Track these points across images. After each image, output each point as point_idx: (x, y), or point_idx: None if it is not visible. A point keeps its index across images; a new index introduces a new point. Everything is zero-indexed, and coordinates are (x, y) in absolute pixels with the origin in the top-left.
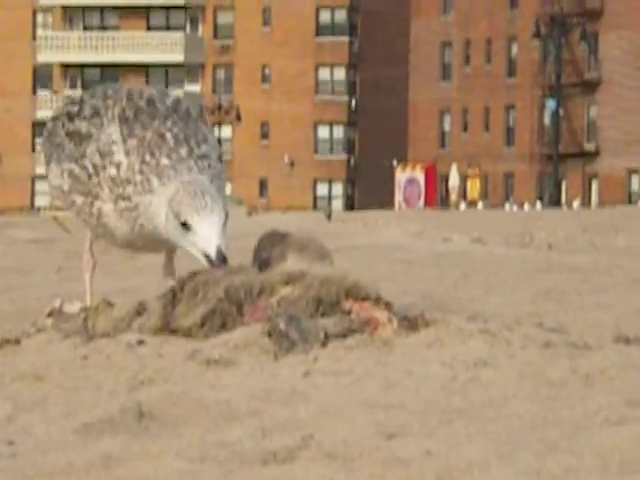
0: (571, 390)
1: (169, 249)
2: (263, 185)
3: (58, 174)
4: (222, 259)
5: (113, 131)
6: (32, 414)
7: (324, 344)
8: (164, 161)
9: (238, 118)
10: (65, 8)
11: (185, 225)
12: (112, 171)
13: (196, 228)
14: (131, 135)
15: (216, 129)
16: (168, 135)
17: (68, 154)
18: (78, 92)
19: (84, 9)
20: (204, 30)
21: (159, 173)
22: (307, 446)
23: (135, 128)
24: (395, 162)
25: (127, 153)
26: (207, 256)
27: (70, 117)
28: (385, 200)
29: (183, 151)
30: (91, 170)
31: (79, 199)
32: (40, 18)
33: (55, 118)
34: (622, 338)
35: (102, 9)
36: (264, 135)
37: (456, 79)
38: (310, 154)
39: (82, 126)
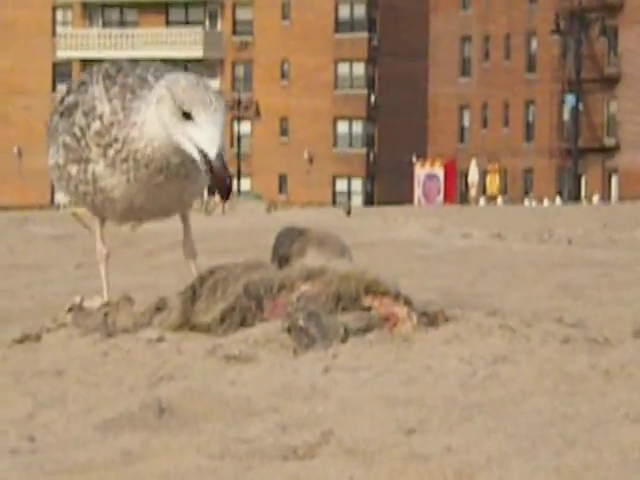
0: (590, 386)
1: (172, 210)
2: (282, 181)
3: (54, 153)
4: (222, 162)
5: (96, 89)
6: (52, 410)
7: (344, 340)
8: (144, 93)
9: (257, 114)
10: (84, 5)
11: (187, 115)
12: (96, 125)
13: (199, 122)
14: (113, 84)
15: (235, 125)
16: (150, 78)
17: (61, 130)
18: None
19: (103, 6)
20: (223, 26)
21: (141, 95)
22: (327, 442)
23: (117, 78)
24: (414, 158)
25: (110, 100)
26: (204, 154)
27: (61, 100)
28: (404, 196)
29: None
30: (79, 134)
31: (74, 169)
32: (60, 15)
33: (52, 113)
34: None
35: (121, 6)
36: (283, 131)
37: (475, 74)
38: (329, 149)
39: (70, 99)
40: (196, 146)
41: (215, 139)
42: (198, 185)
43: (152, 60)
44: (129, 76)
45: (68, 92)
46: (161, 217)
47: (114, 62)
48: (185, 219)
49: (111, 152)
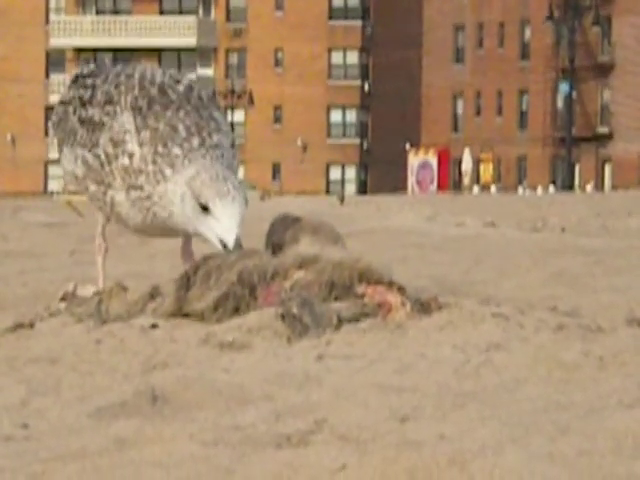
0: (584, 373)
1: (184, 235)
2: (276, 169)
3: (72, 160)
4: (238, 248)
5: (126, 120)
6: (46, 398)
7: (337, 328)
8: (176, 151)
9: (251, 102)
10: None
11: (205, 208)
12: (125, 161)
13: (217, 214)
14: (144, 126)
15: (229, 113)
16: (180, 126)
17: (81, 141)
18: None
19: None
20: (217, 14)
21: (171, 163)
22: (320, 430)
23: (148, 119)
24: (408, 146)
25: (140, 144)
26: (224, 244)
27: (82, 103)
28: (398, 184)
29: (195, 141)
30: (104, 159)
31: (92, 186)
32: (53, 2)
33: (65, 103)
34: (635, 321)
35: None
36: (277, 119)
37: (469, 62)
38: (323, 138)
39: (95, 113)
40: (215, 235)
41: (232, 229)
42: None
43: (146, 50)
44: (160, 120)
45: (91, 101)
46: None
47: (142, 86)
48: (189, 238)
49: (134, 194)
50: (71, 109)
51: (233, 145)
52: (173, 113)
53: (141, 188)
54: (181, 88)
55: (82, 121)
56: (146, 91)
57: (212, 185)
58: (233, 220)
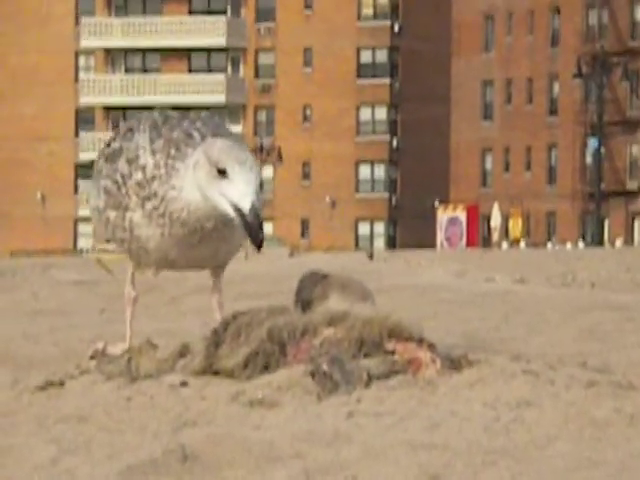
0: (615, 430)
1: (206, 266)
2: (305, 225)
3: (95, 194)
4: (256, 216)
5: (141, 138)
6: (76, 456)
7: (367, 385)
8: (189, 151)
9: (279, 158)
10: (107, 51)
11: (222, 173)
12: (138, 176)
13: (234, 178)
14: (158, 136)
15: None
16: (196, 134)
17: (104, 174)
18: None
19: (126, 52)
20: (245, 71)
21: (182, 159)
22: None
23: (163, 130)
24: (437, 202)
25: (153, 153)
26: (238, 209)
27: (108, 144)
28: (427, 239)
29: None
30: (120, 181)
31: (112, 214)
32: (82, 61)
33: (97, 156)
34: None
35: (144, 51)
36: (305, 175)
37: (497, 118)
38: (351, 193)
39: (116, 144)
40: (231, 202)
41: (249, 194)
42: (233, 245)
43: (175, 107)
44: (175, 129)
45: (115, 137)
46: (195, 270)
47: (163, 111)
48: (218, 276)
49: (149, 205)
50: (101, 157)
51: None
52: (190, 124)
53: (155, 195)
54: (203, 114)
55: (107, 157)
56: (165, 113)
57: (230, 151)
58: (250, 186)
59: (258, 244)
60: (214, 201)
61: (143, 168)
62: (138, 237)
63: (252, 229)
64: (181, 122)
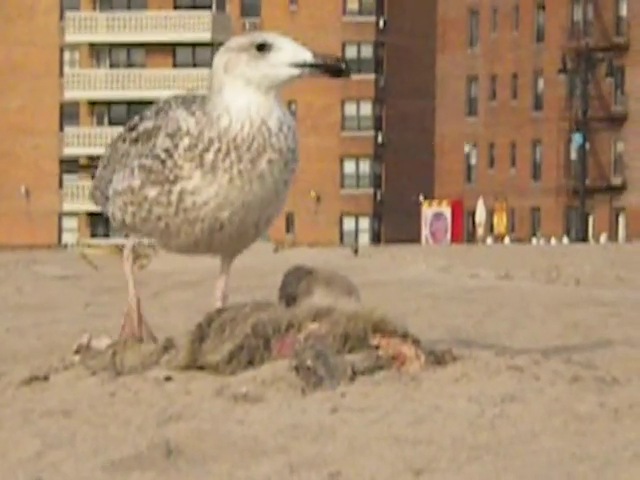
0: (600, 425)
1: (234, 247)
2: (289, 220)
3: (127, 175)
4: (325, 55)
5: (178, 113)
6: (60, 450)
7: (351, 380)
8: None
9: None
10: (92, 45)
11: (264, 46)
12: (185, 141)
13: (278, 43)
14: (193, 103)
15: None
16: None
17: (135, 154)
18: (105, 130)
19: (111, 46)
20: None
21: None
22: None
23: (195, 100)
24: (422, 198)
25: (192, 114)
26: (302, 64)
27: (131, 128)
28: (412, 235)
29: None
30: (163, 155)
31: (153, 191)
32: (67, 56)
33: (113, 143)
34: None
35: (129, 46)
36: None
37: (482, 114)
38: (336, 189)
39: (148, 124)
40: (289, 64)
41: (302, 49)
42: (276, 211)
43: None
44: (207, 103)
45: (142, 119)
46: (223, 250)
47: (187, 94)
48: (228, 265)
49: (209, 156)
50: (120, 141)
51: None
52: None
53: (210, 141)
54: None
55: (135, 140)
56: (192, 94)
57: (255, 31)
58: (298, 44)
59: (346, 70)
60: (271, 76)
61: (187, 132)
62: (188, 208)
63: (331, 61)
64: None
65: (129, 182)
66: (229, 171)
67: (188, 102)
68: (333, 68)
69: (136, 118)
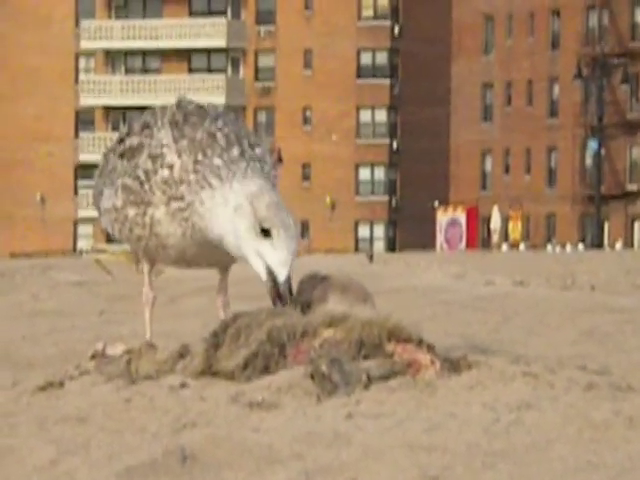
0: (615, 433)
1: (221, 265)
2: (304, 227)
3: (112, 194)
4: (288, 289)
5: (163, 135)
6: (75, 457)
7: (366, 386)
8: (216, 161)
9: (279, 160)
10: (107, 52)
11: (265, 233)
12: (164, 173)
13: (277, 243)
14: (182, 136)
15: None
16: (219, 134)
17: (120, 172)
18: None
19: (126, 53)
20: (245, 73)
21: (216, 173)
22: None
23: (185, 129)
24: (437, 203)
25: (179, 154)
26: (272, 275)
27: (121, 140)
28: (427, 241)
29: (235, 151)
30: (142, 177)
31: (132, 211)
32: (82, 62)
33: (106, 153)
34: None
35: (144, 53)
36: (305, 177)
37: (497, 120)
38: (351, 196)
39: (134, 141)
40: (267, 266)
41: (287, 264)
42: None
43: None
44: (197, 129)
45: (129, 133)
46: (212, 267)
47: (180, 104)
48: (224, 275)
49: (174, 205)
50: (111, 153)
51: (275, 167)
52: (211, 122)
53: (182, 198)
54: (220, 108)
55: (122, 154)
56: (183, 109)
57: (278, 212)
58: (290, 255)
59: (281, 304)
60: (249, 256)
61: (170, 167)
62: (158, 234)
63: (281, 300)
64: (202, 121)
65: (113, 201)
66: (183, 228)
67: (177, 128)
68: (275, 303)
69: (125, 129)
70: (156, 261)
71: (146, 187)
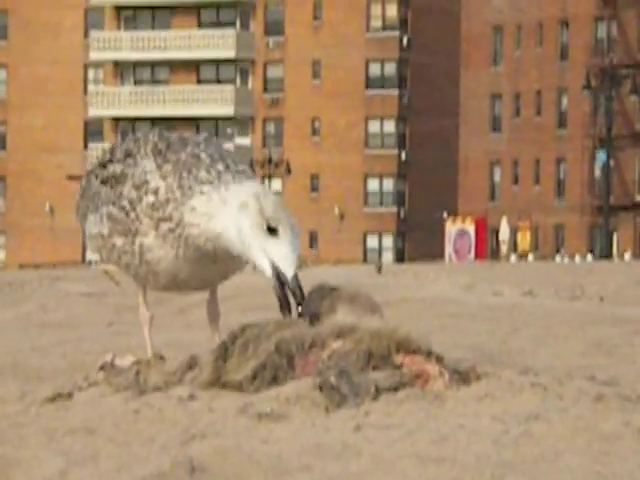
0: (624, 444)
1: (210, 284)
2: (313, 238)
3: (97, 221)
4: (298, 285)
5: (147, 164)
6: (84, 468)
7: (375, 398)
8: (202, 174)
9: (288, 171)
10: (116, 63)
11: (272, 231)
12: (150, 199)
13: (284, 240)
14: (165, 161)
15: (266, 182)
16: (203, 155)
17: (104, 199)
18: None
19: (135, 64)
20: (254, 83)
21: (202, 182)
22: None
23: (168, 155)
24: (445, 214)
25: (164, 177)
26: (279, 272)
27: (103, 165)
28: (435, 252)
29: (220, 166)
30: (128, 207)
31: (119, 241)
32: (91, 73)
33: (88, 173)
34: None
35: (153, 64)
36: (314, 188)
37: (506, 131)
38: (360, 207)
39: (117, 169)
40: (273, 263)
41: (294, 261)
42: (242, 264)
43: (184, 119)
44: (180, 153)
45: (111, 160)
46: (201, 289)
47: (161, 136)
48: (214, 293)
49: (164, 227)
50: (93, 176)
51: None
52: (193, 147)
53: (170, 218)
54: (201, 137)
55: (104, 181)
56: (165, 139)
57: (283, 210)
58: (295, 254)
59: (287, 312)
60: (253, 253)
61: (155, 192)
62: (148, 261)
63: (295, 296)
64: (184, 146)
65: (99, 229)
66: (175, 249)
67: (160, 156)
68: (284, 306)
69: (107, 153)
70: (149, 287)
71: (132, 216)
